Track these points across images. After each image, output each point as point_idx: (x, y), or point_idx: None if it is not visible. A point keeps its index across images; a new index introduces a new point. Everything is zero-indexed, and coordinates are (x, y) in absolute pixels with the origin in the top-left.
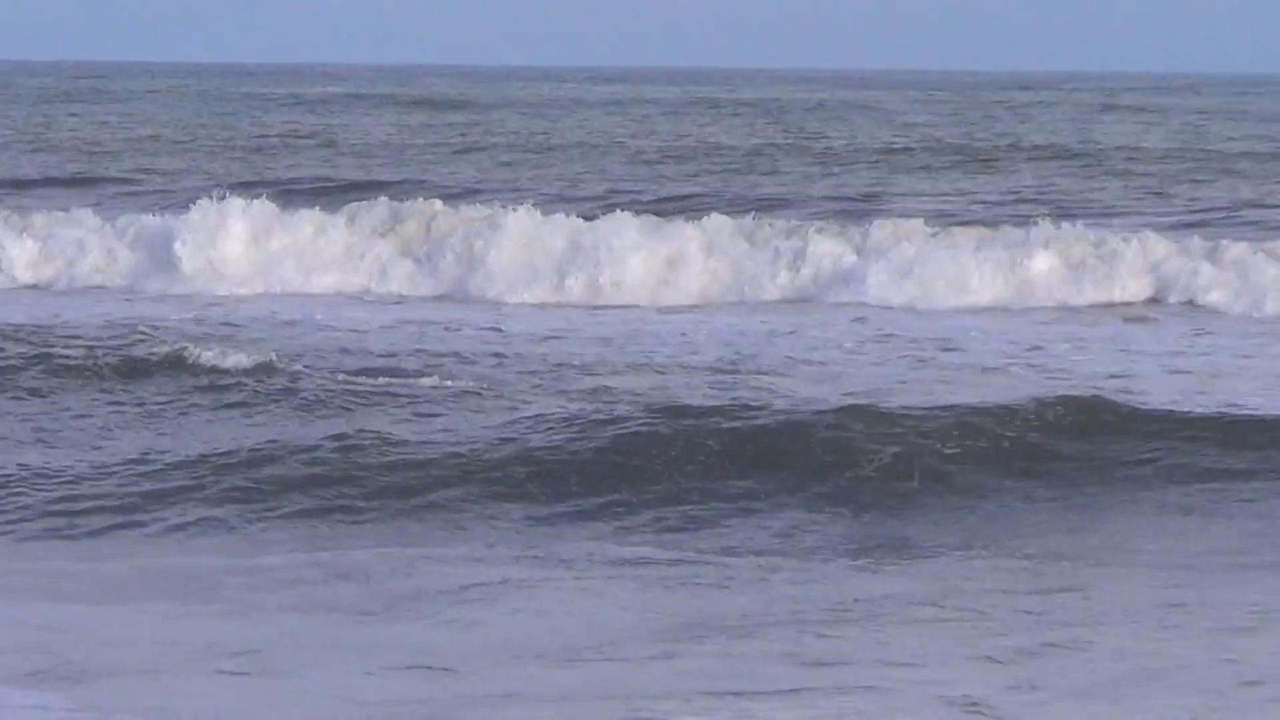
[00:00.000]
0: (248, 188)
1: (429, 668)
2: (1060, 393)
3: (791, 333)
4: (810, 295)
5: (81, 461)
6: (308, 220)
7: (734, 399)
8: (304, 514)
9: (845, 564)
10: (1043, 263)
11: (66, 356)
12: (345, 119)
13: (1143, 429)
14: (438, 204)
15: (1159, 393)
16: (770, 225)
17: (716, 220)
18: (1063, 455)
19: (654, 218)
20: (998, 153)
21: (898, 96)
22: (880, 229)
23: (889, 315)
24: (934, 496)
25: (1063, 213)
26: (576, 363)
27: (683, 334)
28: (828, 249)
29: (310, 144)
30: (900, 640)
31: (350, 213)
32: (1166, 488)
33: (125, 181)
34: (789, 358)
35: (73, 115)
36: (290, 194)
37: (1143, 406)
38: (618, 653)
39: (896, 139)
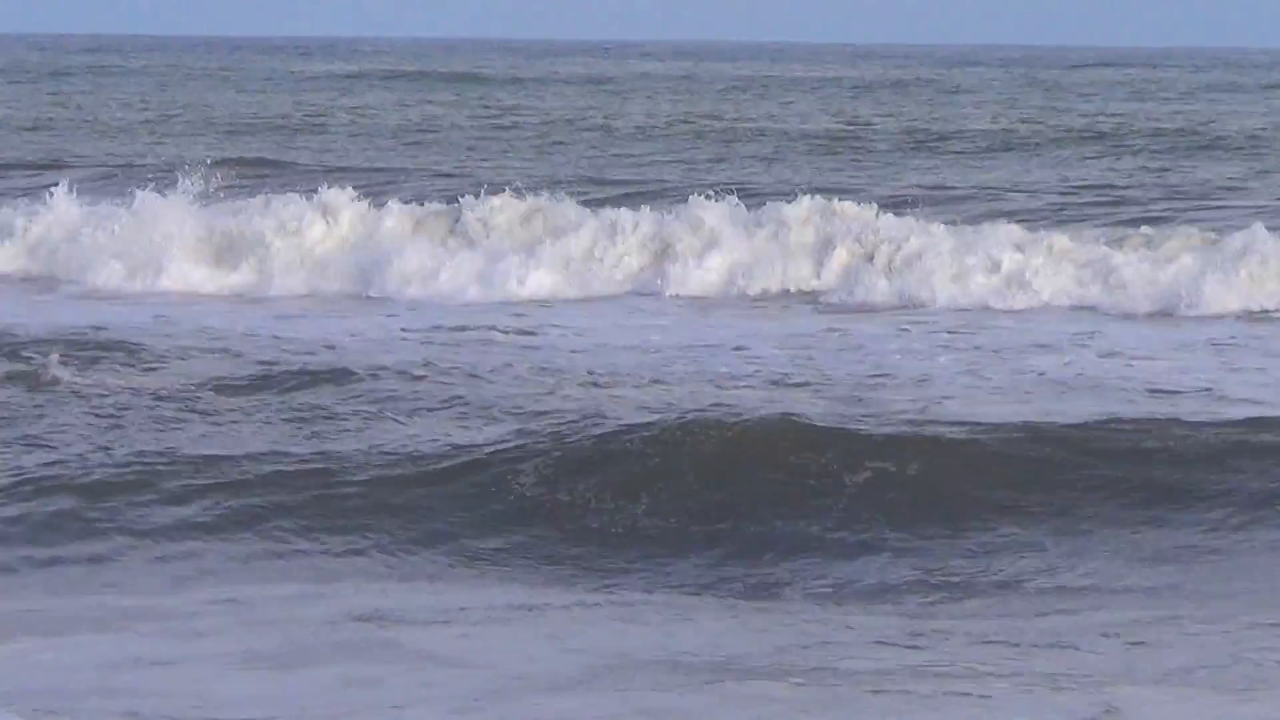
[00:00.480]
0: (255, 167)
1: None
2: (1166, 406)
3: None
4: (861, 294)
5: None
6: (273, 213)
7: (784, 412)
8: (274, 537)
9: (905, 602)
10: (1149, 259)
11: None
12: (380, 96)
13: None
14: (431, 204)
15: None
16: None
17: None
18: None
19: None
20: (1108, 133)
21: (990, 74)
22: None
23: (966, 318)
24: (1008, 524)
25: (1174, 195)
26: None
27: (697, 333)
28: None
29: (338, 123)
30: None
31: (333, 208)
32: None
33: (124, 165)
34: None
35: (79, 92)
36: (312, 177)
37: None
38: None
39: (1000, 119)
